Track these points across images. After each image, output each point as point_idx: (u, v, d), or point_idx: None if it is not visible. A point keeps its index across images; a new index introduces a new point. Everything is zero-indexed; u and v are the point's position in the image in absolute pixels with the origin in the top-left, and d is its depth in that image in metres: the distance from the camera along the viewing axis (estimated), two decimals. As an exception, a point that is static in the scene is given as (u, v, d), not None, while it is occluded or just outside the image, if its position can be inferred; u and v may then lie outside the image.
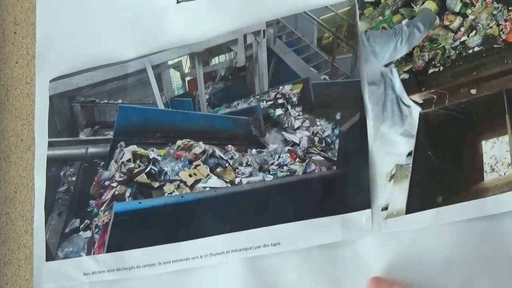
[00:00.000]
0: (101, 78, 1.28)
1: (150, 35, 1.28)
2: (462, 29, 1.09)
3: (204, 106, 1.21)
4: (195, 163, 1.17)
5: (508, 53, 1.05)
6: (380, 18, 1.12)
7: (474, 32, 1.08)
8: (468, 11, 1.09)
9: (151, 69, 1.25)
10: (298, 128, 1.14)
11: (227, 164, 1.16)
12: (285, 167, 1.12)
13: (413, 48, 1.10)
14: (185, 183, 1.16)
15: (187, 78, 1.25)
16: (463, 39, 1.08)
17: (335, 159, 1.10)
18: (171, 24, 1.27)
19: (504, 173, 1.00)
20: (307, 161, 1.11)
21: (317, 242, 1.07)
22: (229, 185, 1.14)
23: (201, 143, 1.18)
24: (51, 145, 1.29)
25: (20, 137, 1.34)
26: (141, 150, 1.20)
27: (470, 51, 1.08)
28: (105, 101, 1.29)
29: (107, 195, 1.19)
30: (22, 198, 1.31)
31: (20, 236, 1.30)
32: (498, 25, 1.07)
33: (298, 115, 1.15)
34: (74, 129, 1.29)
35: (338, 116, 1.11)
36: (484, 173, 1.02)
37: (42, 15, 1.38)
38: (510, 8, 1.07)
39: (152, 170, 1.18)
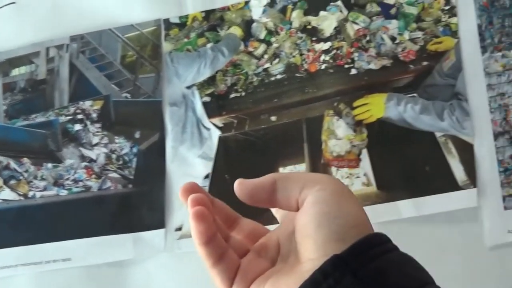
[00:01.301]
0: None
1: None
2: (266, 56, 1.11)
3: (1, 117, 1.18)
4: (-12, 175, 1.15)
5: (309, 83, 1.08)
6: (185, 40, 1.13)
7: (277, 60, 1.10)
8: (273, 39, 1.11)
9: None
10: (96, 144, 1.13)
11: (21, 177, 1.13)
12: (80, 183, 1.11)
13: (217, 72, 1.12)
14: (-25, 194, 1.13)
15: (-15, 88, 1.22)
16: (266, 66, 1.11)
17: (132, 177, 1.10)
18: (-29, 33, 1.23)
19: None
20: (103, 178, 1.10)
21: (108, 259, 1.07)
22: (22, 198, 1.12)
23: (-5, 154, 1.16)
24: None
25: None
26: None
27: (273, 79, 1.10)
28: None
29: None
30: None
31: None
32: (301, 54, 1.10)
33: (97, 132, 1.14)
34: None
35: (137, 135, 1.11)
36: (281, 200, 1.04)
37: None
38: (313, 38, 1.10)
39: None
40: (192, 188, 0.58)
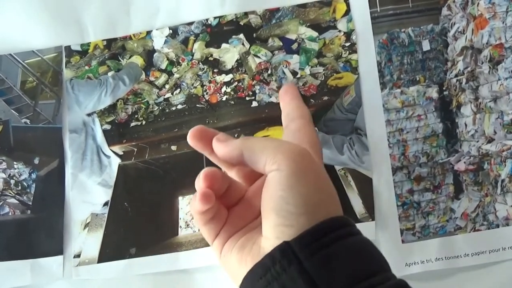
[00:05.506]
0: None
1: None
2: (167, 86, 1.11)
3: None
4: None
5: (210, 114, 1.09)
6: (87, 67, 1.12)
7: (178, 90, 1.11)
8: (174, 69, 1.11)
9: None
10: (-5, 170, 1.13)
11: None
12: (-20, 208, 1.11)
13: (117, 100, 1.11)
14: None
15: None
16: (167, 96, 1.11)
17: (31, 203, 1.09)
18: None
19: (199, 230, 1.04)
20: (1, 203, 1.10)
21: (4, 285, 1.06)
22: None
23: None
24: None
25: None
26: None
27: (173, 108, 1.10)
28: None
29: None
30: None
31: None
32: (202, 85, 1.10)
33: (-4, 158, 1.14)
34: None
35: (36, 161, 1.10)
36: (179, 228, 1.06)
37: None
38: (215, 70, 1.10)
39: None
40: (199, 132, 0.68)
